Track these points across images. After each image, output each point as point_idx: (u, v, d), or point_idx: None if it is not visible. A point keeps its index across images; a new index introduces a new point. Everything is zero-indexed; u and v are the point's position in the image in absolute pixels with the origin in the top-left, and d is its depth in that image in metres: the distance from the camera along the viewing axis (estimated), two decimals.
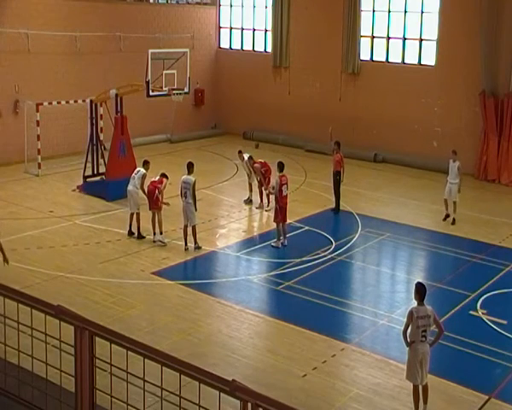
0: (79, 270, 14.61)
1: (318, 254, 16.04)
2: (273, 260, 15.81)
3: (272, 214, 17.06)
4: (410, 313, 9.37)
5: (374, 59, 26.72)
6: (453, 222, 18.56)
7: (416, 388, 9.58)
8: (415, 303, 9.64)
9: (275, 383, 10.29)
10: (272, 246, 16.49)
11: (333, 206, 19.42)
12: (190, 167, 16.03)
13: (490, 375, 10.97)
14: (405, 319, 9.52)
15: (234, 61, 30.25)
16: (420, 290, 9.46)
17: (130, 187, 16.60)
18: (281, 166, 16.72)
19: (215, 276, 14.83)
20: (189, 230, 15.98)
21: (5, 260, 12.49)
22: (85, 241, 16.45)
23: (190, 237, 15.94)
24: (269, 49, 29.35)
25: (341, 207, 19.44)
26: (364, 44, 26.66)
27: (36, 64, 23.80)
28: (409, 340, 9.42)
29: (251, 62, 29.78)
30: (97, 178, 20.65)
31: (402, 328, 9.62)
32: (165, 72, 20.38)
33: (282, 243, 16.49)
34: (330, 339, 11.94)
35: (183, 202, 15.94)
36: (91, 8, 25.52)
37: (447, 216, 18.76)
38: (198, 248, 15.97)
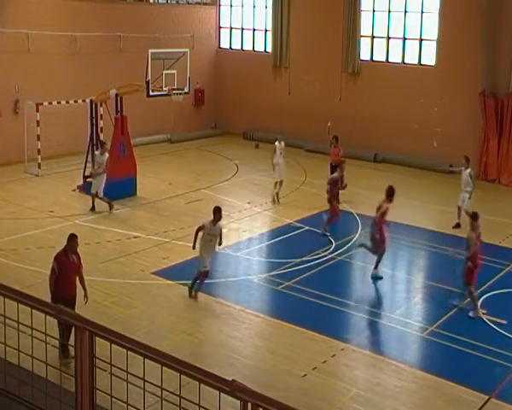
0: None
1: (318, 254, 16.05)
2: (273, 260, 15.82)
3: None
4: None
5: (374, 59, 26.73)
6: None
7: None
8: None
9: (275, 383, 10.28)
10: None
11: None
12: None
13: (490, 375, 10.96)
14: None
15: (234, 61, 30.24)
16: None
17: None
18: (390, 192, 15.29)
19: (215, 276, 14.80)
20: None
21: (85, 296, 10.89)
22: (85, 241, 16.37)
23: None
24: (269, 49, 29.34)
25: (341, 208, 19.41)
26: (364, 44, 26.66)
27: (36, 64, 23.78)
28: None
29: (251, 62, 29.76)
30: None
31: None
32: (165, 72, 20.38)
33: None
34: (330, 339, 11.93)
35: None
36: (91, 8, 25.51)
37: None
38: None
